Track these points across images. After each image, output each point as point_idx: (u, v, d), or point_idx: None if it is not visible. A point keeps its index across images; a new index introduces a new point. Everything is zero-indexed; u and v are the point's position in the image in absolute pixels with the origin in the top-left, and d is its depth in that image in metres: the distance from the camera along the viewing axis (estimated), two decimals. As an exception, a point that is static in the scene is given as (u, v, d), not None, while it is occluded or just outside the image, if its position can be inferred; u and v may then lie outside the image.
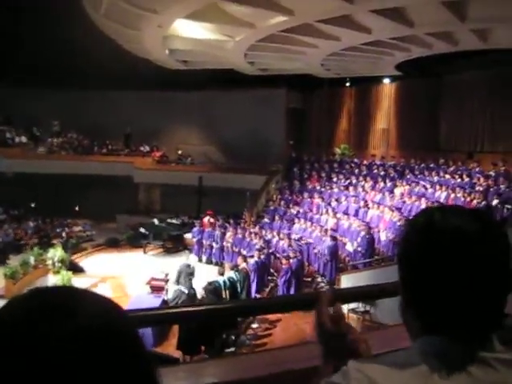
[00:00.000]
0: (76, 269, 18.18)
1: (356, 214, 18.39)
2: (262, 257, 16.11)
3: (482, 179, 17.00)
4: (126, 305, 13.37)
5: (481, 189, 16.10)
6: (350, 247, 16.76)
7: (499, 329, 1.04)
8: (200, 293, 13.46)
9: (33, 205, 26.44)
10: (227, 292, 13.18)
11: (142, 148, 29.74)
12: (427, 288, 1.04)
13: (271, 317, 12.72)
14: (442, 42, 17.44)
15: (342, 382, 1.00)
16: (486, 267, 1.00)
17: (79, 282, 16.41)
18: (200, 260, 19.87)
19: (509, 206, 14.55)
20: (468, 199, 15.37)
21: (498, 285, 1.02)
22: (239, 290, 13.90)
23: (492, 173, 17.56)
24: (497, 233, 1.06)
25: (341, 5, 13.21)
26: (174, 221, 24.42)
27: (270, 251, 17.45)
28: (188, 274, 15.91)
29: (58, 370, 0.64)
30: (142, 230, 22.67)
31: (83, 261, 20.33)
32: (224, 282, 13.29)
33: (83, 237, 23.86)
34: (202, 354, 11.22)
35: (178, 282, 14.25)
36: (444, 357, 1.00)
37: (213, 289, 13.04)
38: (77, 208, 26.60)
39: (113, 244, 23.08)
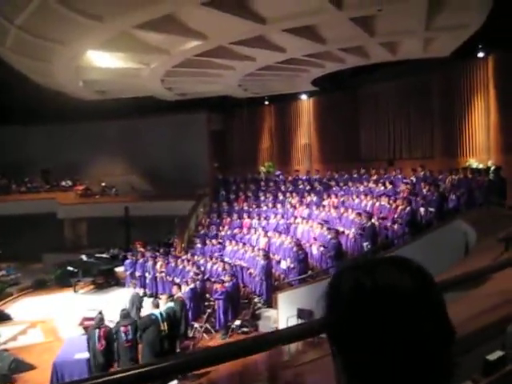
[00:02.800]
0: (2, 317, 17.19)
1: (286, 231, 18.49)
2: (198, 283, 15.87)
3: (402, 185, 17.51)
4: (58, 350, 12.83)
5: (404, 195, 16.57)
6: (283, 265, 16.78)
7: (451, 378, 0.98)
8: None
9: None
10: (165, 324, 12.84)
11: (63, 183, 28.87)
12: (360, 354, 0.96)
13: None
14: (353, 56, 17.97)
15: None
16: (420, 325, 0.95)
17: (6, 330, 15.60)
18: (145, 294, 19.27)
19: (431, 209, 15.02)
20: (393, 206, 15.77)
21: (435, 341, 0.96)
22: (175, 320, 13.57)
23: (413, 178, 18.13)
24: (431, 287, 1.00)
25: (254, 26, 13.34)
26: (103, 255, 23.73)
27: (205, 277, 17.23)
28: (139, 304, 15.65)
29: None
30: (70, 267, 21.84)
31: (9, 307, 19.22)
32: (161, 314, 12.93)
33: (8, 281, 22.64)
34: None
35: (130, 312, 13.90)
36: None
37: (150, 322, 12.68)
38: (-1, 251, 25.41)
39: (40, 286, 22.09)
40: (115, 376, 1.92)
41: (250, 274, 17.20)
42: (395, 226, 15.22)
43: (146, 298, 17.00)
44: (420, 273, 1.01)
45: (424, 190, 16.07)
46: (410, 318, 0.94)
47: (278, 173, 26.15)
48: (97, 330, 12.36)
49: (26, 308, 18.97)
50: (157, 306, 13.34)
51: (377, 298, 0.96)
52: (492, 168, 15.98)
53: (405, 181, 18.21)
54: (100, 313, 13.39)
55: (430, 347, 0.95)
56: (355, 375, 0.99)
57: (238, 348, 1.99)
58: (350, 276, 1.03)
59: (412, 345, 0.94)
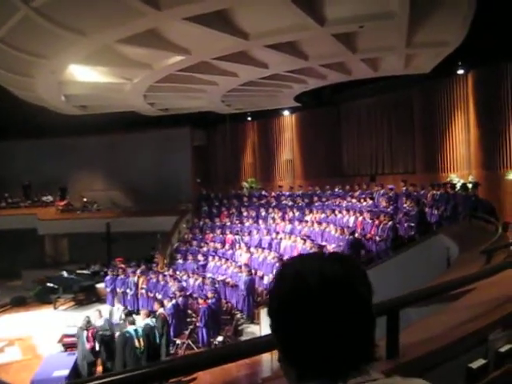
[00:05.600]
0: (-21, 334, 16.87)
1: (269, 246, 18.46)
2: (180, 299, 15.73)
3: (384, 201, 17.57)
4: (37, 368, 12.61)
5: (387, 210, 16.64)
6: (266, 280, 16.72)
7: (372, 360, 1.14)
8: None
9: None
10: (141, 340, 12.70)
11: (44, 198, 28.59)
12: (297, 335, 1.11)
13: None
14: (335, 73, 18.11)
15: None
16: (349, 308, 1.10)
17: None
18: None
19: (412, 224, 15.11)
20: (377, 221, 15.80)
21: (363, 322, 1.13)
22: (157, 336, 13.42)
23: (391, 194, 18.21)
24: (357, 273, 1.17)
25: (236, 42, 13.39)
26: (84, 271, 23.49)
27: (187, 293, 17.09)
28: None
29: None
30: (51, 284, 21.56)
31: (-13, 324, 18.92)
32: (135, 330, 12.81)
33: (-15, 299, 22.28)
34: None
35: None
36: None
37: (125, 340, 12.57)
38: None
39: (19, 303, 21.72)
40: (99, 381, 1.87)
41: (232, 287, 17.13)
42: (377, 241, 15.27)
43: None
44: (349, 262, 1.18)
45: (405, 205, 16.17)
46: (339, 300, 1.10)
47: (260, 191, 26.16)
48: (85, 332, 12.90)
49: (3, 325, 18.62)
50: (132, 322, 13.28)
51: (313, 283, 1.11)
52: (471, 184, 16.16)
53: (387, 196, 18.29)
54: (87, 317, 13.70)
55: (354, 328, 1.11)
56: (288, 356, 1.15)
57: (218, 354, 1.95)
58: (291, 267, 1.20)
59: (339, 325, 1.09)
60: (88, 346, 13.16)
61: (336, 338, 1.09)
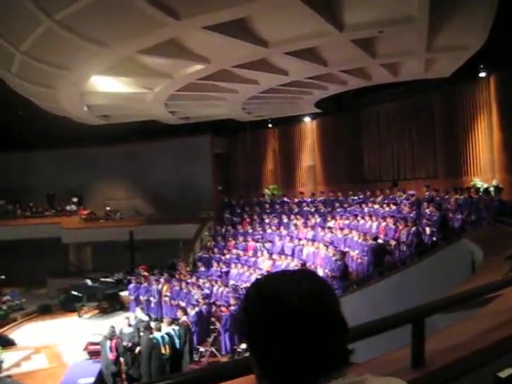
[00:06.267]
0: (6, 343, 17.05)
1: (292, 253, 18.40)
2: (204, 307, 15.78)
3: (406, 206, 17.44)
4: (62, 376, 12.74)
5: (410, 215, 16.50)
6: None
7: (346, 364, 1.21)
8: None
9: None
10: (167, 347, 12.78)
11: (68, 207, 28.91)
12: (277, 351, 1.16)
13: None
14: (356, 78, 18.04)
15: None
16: (322, 320, 1.17)
17: (10, 356, 15.48)
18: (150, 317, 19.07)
19: (434, 229, 14.97)
20: (400, 227, 15.68)
21: (334, 331, 1.19)
22: (178, 344, 13.48)
23: (410, 198, 18.08)
24: (325, 287, 1.24)
25: (256, 49, 13.43)
26: (108, 279, 23.65)
27: (211, 300, 17.13)
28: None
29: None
30: (75, 292, 21.78)
31: (13, 332, 19.16)
32: (162, 337, 12.89)
33: (12, 306, 22.57)
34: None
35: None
36: None
37: (152, 346, 12.64)
38: (3, 276, 25.22)
39: (45, 311, 22.02)
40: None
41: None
42: (401, 247, 15.16)
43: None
44: (315, 279, 1.25)
45: (427, 210, 16.03)
46: (314, 315, 1.16)
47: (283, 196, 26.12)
48: (108, 341, 12.97)
49: (30, 333, 18.91)
50: (159, 329, 13.36)
51: (277, 300, 1.18)
52: (494, 187, 15.99)
53: (409, 201, 18.15)
54: (112, 326, 13.77)
55: (324, 338, 1.17)
56: (267, 371, 1.20)
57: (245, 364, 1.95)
58: (259, 284, 1.27)
59: (310, 338, 1.15)
60: (111, 356, 13.27)
61: (314, 349, 1.16)
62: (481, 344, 2.94)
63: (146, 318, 16.06)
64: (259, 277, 1.35)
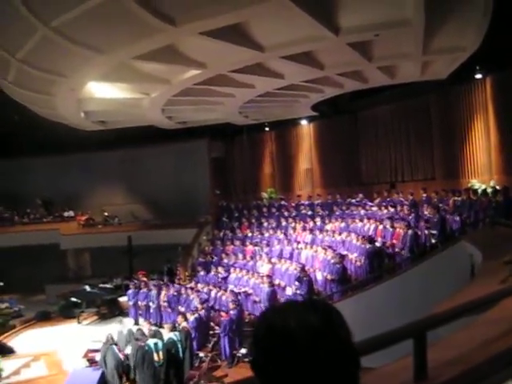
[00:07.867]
0: (4, 350, 16.97)
1: (290, 257, 18.37)
2: (203, 312, 15.73)
3: (405, 208, 17.47)
4: (62, 383, 12.69)
5: (408, 218, 16.51)
6: (289, 291, 16.63)
7: None
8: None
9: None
10: (160, 354, 12.70)
11: (65, 213, 28.87)
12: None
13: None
14: (352, 81, 18.05)
15: None
16: (334, 352, 1.15)
17: (9, 364, 15.42)
18: (137, 323, 19.06)
19: (434, 232, 14.94)
20: (398, 229, 15.68)
21: (346, 362, 1.17)
22: (181, 350, 13.43)
23: (406, 201, 18.11)
24: (336, 318, 1.22)
25: (252, 54, 13.43)
26: (106, 285, 23.60)
27: (210, 305, 17.08)
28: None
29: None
30: (74, 298, 21.72)
31: (12, 340, 19.04)
32: (155, 344, 12.81)
33: (11, 313, 22.42)
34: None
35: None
36: None
37: (142, 354, 12.60)
38: (1, 283, 25.13)
39: (44, 318, 21.93)
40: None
41: (255, 301, 17.05)
42: (400, 250, 15.15)
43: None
44: (326, 312, 1.22)
45: (426, 213, 16.03)
46: (318, 351, 1.14)
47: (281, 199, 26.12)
48: (114, 346, 13.07)
49: (29, 341, 18.81)
50: (153, 336, 13.30)
51: (286, 336, 1.16)
52: (491, 189, 15.99)
53: (406, 203, 18.19)
54: (110, 334, 13.87)
55: (337, 372, 1.15)
56: None
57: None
58: (266, 318, 1.24)
59: (323, 372, 1.14)
60: (121, 355, 13.40)
61: (325, 381, 1.15)
62: (482, 356, 2.92)
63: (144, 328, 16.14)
64: (266, 310, 1.32)
